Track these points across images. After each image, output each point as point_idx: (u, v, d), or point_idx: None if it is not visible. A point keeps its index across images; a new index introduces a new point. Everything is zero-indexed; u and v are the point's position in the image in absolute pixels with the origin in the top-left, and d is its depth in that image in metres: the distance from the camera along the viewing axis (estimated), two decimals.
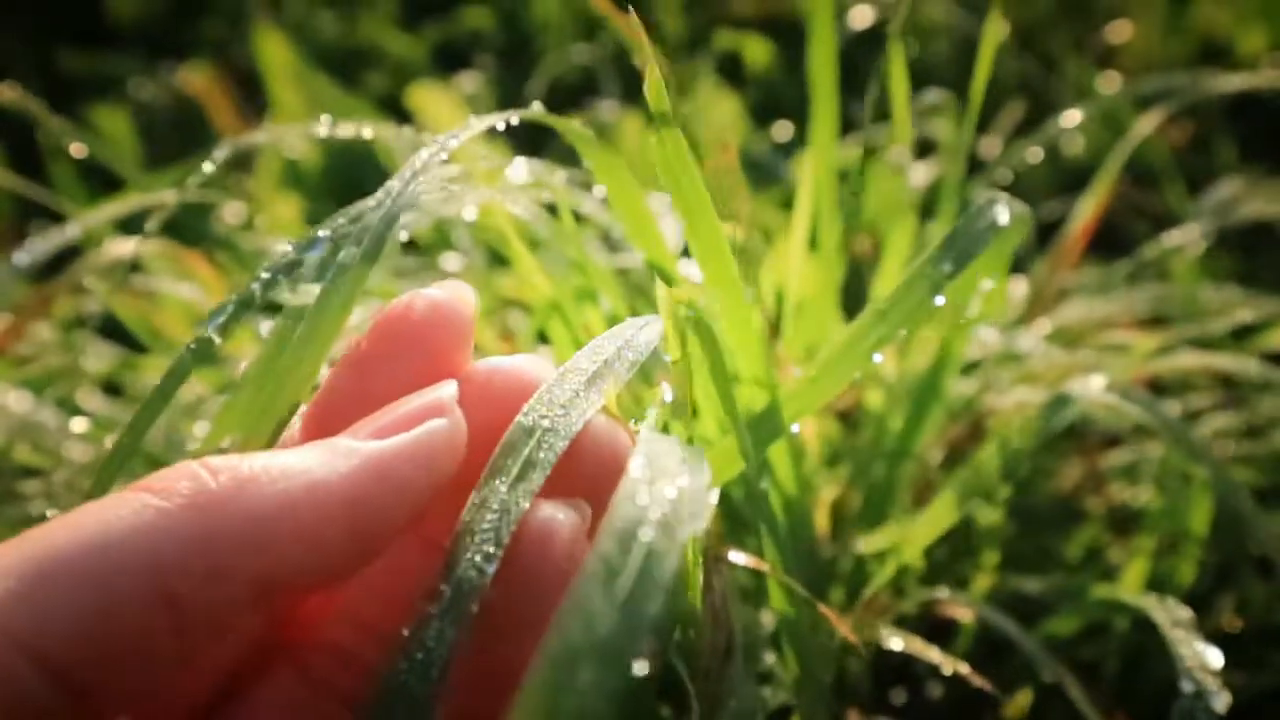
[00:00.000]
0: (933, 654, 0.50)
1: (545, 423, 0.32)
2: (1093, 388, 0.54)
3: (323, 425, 0.33)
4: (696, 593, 0.42)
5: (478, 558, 0.29)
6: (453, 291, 0.35)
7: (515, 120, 0.46)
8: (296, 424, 0.35)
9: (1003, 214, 0.46)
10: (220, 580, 0.27)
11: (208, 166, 0.52)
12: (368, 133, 0.49)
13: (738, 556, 0.48)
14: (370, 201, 0.39)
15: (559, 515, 0.31)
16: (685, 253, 0.73)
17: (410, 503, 0.31)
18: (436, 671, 0.27)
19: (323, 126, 0.49)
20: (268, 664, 0.31)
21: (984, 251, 0.45)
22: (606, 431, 0.33)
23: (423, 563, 0.32)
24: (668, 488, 0.29)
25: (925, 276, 0.45)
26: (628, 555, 0.26)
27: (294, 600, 0.31)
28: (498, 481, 0.31)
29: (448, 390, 0.32)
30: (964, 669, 0.49)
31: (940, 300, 0.44)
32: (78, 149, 0.69)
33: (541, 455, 0.31)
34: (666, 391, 0.42)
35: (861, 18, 1.16)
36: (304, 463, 0.29)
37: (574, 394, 0.33)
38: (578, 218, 0.63)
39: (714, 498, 0.44)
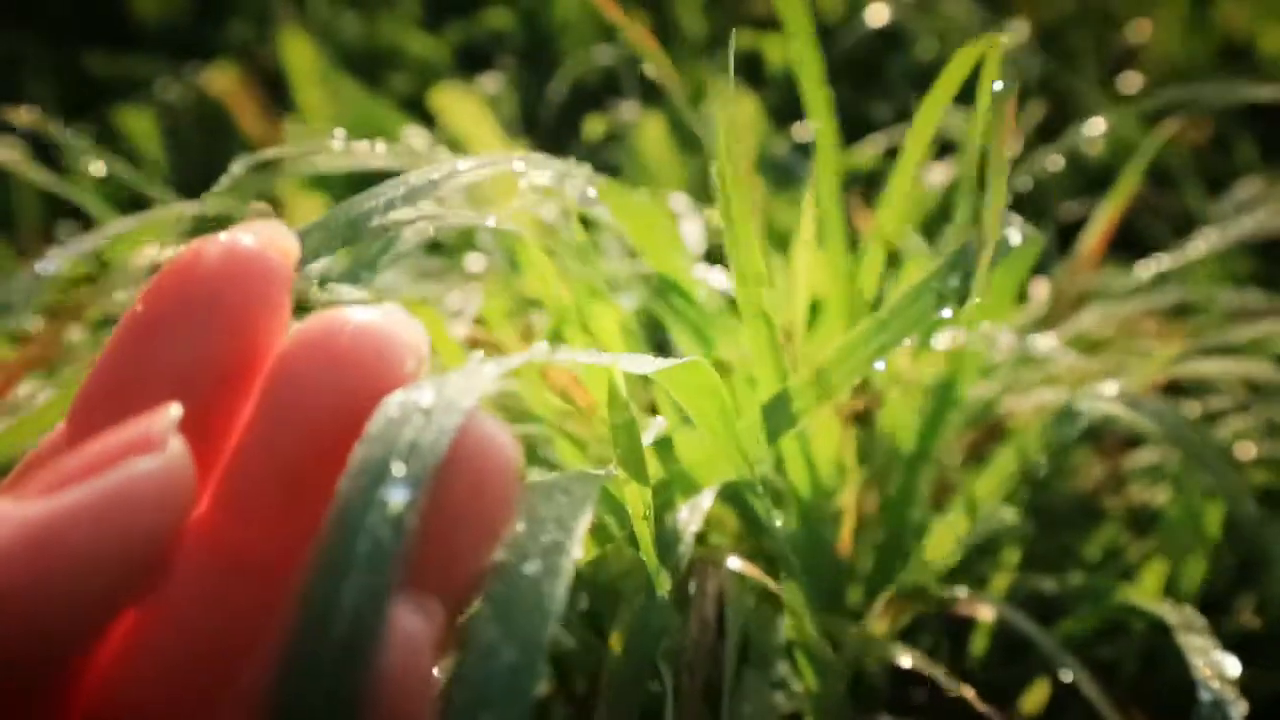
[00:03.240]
0: (939, 671, 0.51)
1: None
2: (1105, 395, 0.54)
3: (91, 417, 0.25)
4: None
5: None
6: (261, 235, 0.26)
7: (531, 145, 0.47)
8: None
9: (1014, 234, 0.46)
10: None
11: (229, 178, 0.53)
12: (379, 154, 0.50)
13: (735, 562, 0.48)
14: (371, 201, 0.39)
15: (403, 620, 0.22)
16: (704, 256, 0.74)
17: (102, 579, 0.22)
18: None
19: (338, 141, 0.50)
20: None
21: (994, 268, 0.45)
22: (488, 436, 0.25)
23: (249, 588, 0.25)
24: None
25: (931, 290, 0.45)
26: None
27: None
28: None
29: (163, 418, 0.23)
30: (969, 693, 0.50)
31: (947, 313, 0.45)
32: (98, 168, 0.70)
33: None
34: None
35: (877, 16, 1.16)
36: None
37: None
38: (595, 223, 0.64)
39: (708, 500, 0.45)
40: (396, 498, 0.22)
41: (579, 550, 0.24)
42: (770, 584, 0.46)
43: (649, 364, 0.35)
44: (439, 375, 0.25)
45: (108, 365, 0.26)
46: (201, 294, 0.25)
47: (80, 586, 0.21)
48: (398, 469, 0.22)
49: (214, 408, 0.26)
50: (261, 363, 0.26)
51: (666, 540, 0.44)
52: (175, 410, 0.24)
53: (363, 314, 0.25)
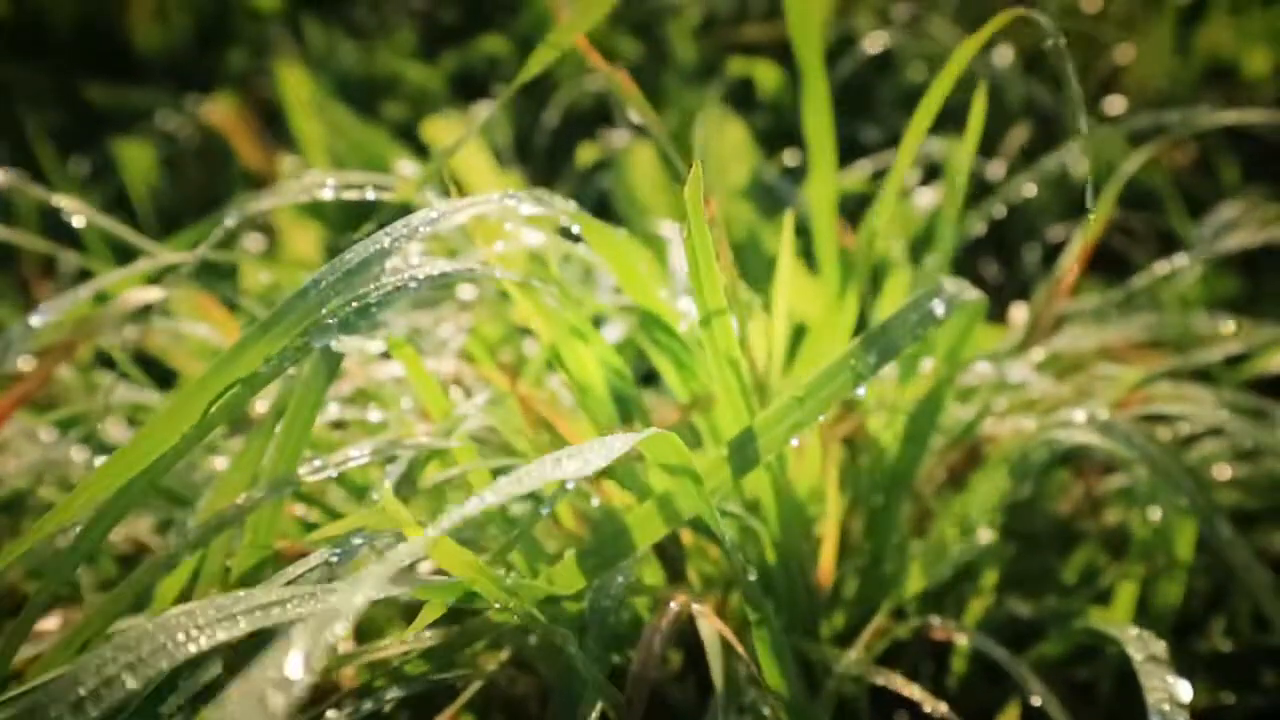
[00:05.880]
0: (915, 691, 0.52)
1: None
2: (1077, 422, 0.55)
3: None
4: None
5: None
6: None
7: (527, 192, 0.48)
8: None
9: (939, 307, 0.47)
10: None
11: (227, 223, 0.54)
12: (371, 193, 0.52)
13: (696, 603, 0.49)
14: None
15: None
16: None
17: None
18: None
19: (329, 189, 0.51)
20: None
21: (912, 345, 0.46)
22: None
23: None
24: None
25: (848, 368, 0.46)
26: None
27: None
28: None
29: None
30: (943, 708, 0.51)
31: (862, 391, 0.46)
32: (79, 221, 0.70)
33: None
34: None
35: (874, 43, 1.18)
36: None
37: None
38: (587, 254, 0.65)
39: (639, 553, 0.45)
40: None
41: None
42: (727, 632, 0.47)
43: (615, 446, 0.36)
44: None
45: None
46: None
47: None
48: None
49: None
50: None
51: (604, 587, 0.46)
52: None
53: None
